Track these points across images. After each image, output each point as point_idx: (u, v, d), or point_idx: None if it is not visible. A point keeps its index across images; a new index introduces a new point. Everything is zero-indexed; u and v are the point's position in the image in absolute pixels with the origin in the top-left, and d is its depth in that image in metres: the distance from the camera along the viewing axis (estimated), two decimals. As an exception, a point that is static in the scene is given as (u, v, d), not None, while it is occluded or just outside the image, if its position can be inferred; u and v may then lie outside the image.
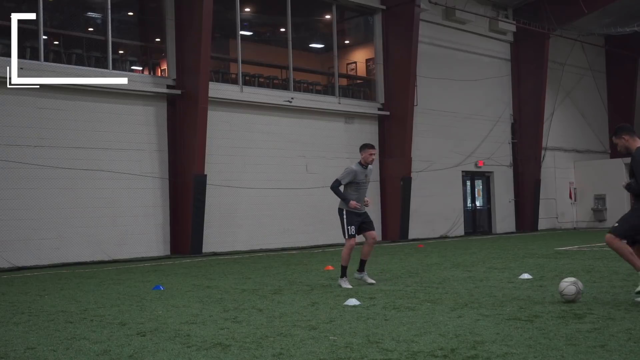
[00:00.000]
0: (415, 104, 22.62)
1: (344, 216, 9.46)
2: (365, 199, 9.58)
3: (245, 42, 20.56)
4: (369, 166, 9.63)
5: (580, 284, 7.54)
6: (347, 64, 23.88)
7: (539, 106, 27.29)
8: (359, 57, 24.03)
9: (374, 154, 9.58)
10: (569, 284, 7.48)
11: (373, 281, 9.74)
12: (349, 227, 9.42)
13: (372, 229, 9.62)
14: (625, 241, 7.22)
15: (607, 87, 32.23)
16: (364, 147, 9.63)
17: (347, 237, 9.45)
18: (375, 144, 22.61)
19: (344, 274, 9.58)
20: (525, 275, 10.06)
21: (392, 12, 22.77)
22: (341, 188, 9.49)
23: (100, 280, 11.62)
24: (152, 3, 19.50)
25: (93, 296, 9.38)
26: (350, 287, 9.38)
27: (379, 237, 22.47)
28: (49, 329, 6.75)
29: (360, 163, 9.56)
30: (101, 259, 16.35)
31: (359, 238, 9.65)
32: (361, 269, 9.75)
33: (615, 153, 31.71)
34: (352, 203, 9.34)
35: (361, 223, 9.53)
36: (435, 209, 24.24)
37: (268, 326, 6.53)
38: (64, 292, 10.02)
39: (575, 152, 30.61)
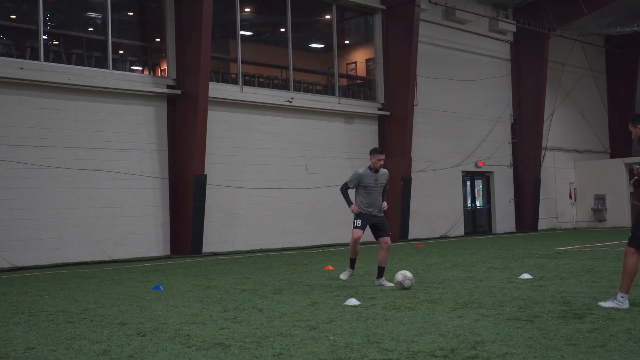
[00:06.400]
0: (415, 104, 22.62)
1: (354, 216, 9.59)
2: (383, 203, 9.56)
3: (245, 42, 20.56)
4: (381, 170, 9.58)
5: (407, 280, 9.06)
6: (347, 64, 23.88)
7: (539, 106, 27.29)
8: (359, 57, 24.03)
9: (382, 160, 9.49)
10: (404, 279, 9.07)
11: (392, 284, 9.52)
12: (355, 220, 9.51)
13: (386, 235, 9.58)
14: None
15: (607, 87, 32.23)
16: (372, 151, 9.63)
17: (352, 227, 9.54)
18: (375, 144, 22.61)
19: (350, 265, 9.67)
20: (525, 275, 10.06)
21: (392, 12, 22.78)
22: (353, 191, 9.68)
23: (100, 280, 11.61)
24: (152, 3, 19.50)
25: (93, 296, 9.38)
26: (344, 279, 9.53)
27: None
28: (49, 329, 6.75)
29: (369, 167, 9.56)
30: (101, 259, 16.34)
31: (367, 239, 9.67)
32: (379, 275, 9.70)
33: (615, 153, 31.76)
34: (352, 207, 9.51)
35: (375, 227, 9.59)
36: (435, 209, 24.24)
37: (268, 326, 6.53)
38: (64, 292, 10.01)
39: (575, 152, 30.62)
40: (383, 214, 9.66)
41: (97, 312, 7.83)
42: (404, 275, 9.09)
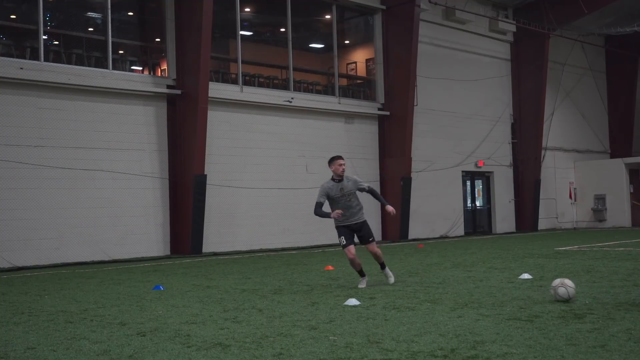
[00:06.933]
0: (415, 104, 22.63)
1: (336, 231, 9.39)
2: (388, 207, 9.34)
3: (245, 42, 20.56)
4: (345, 179, 9.22)
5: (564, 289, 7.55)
6: (347, 64, 23.89)
7: (539, 106, 27.30)
8: (359, 57, 24.03)
9: (344, 164, 9.20)
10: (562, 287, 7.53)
11: (392, 278, 9.79)
12: (340, 238, 9.31)
13: (369, 241, 9.37)
14: None
15: (607, 87, 32.24)
16: (333, 159, 9.32)
17: (342, 247, 9.35)
18: (375, 144, 22.65)
19: (360, 275, 9.60)
20: (525, 275, 10.05)
21: (392, 12, 22.78)
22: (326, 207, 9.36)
23: (100, 280, 11.62)
24: (152, 3, 19.51)
25: (93, 296, 9.38)
26: (364, 286, 9.38)
27: (378, 237, 22.51)
28: (49, 329, 6.75)
29: (332, 178, 9.25)
30: (101, 259, 16.35)
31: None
32: (381, 268, 9.82)
33: (615, 153, 31.75)
34: (333, 214, 9.12)
35: (357, 233, 9.37)
36: (435, 209, 24.24)
37: (268, 326, 6.53)
38: (64, 292, 10.02)
39: (575, 152, 30.62)
40: (363, 219, 9.37)
41: (97, 312, 7.83)
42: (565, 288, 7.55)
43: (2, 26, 16.54)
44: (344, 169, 9.21)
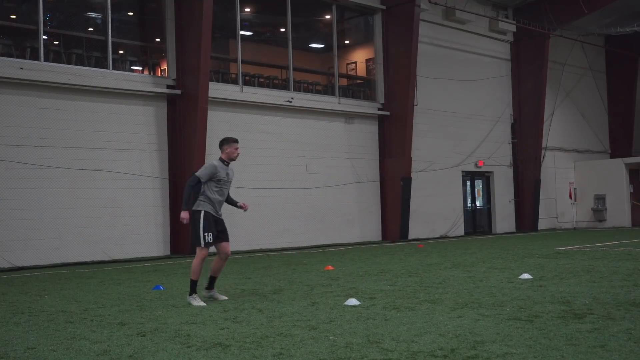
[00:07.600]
0: (415, 104, 22.63)
1: (201, 220, 8.16)
2: (243, 203, 8.66)
3: (245, 42, 20.56)
4: (230, 164, 8.44)
5: None
6: (347, 64, 23.88)
7: (539, 106, 27.30)
8: (359, 57, 24.03)
9: (239, 149, 8.45)
10: None
11: (225, 297, 8.57)
12: (206, 234, 8.17)
13: (226, 240, 8.39)
14: None
15: (607, 87, 32.25)
16: (229, 141, 8.40)
17: (202, 245, 8.17)
18: (375, 144, 22.65)
19: (193, 290, 8.22)
20: (525, 275, 10.06)
21: (392, 12, 22.78)
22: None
23: (100, 280, 11.62)
24: (152, 3, 19.51)
25: (93, 296, 9.38)
26: (203, 305, 8.01)
27: (378, 238, 22.46)
28: (49, 329, 6.75)
29: (221, 159, 8.36)
30: (101, 259, 16.34)
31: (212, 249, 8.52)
32: (210, 286, 8.57)
33: (615, 153, 31.75)
34: (183, 214, 8.11)
35: (218, 230, 8.32)
36: (435, 209, 24.24)
37: (268, 326, 6.53)
38: (64, 292, 10.02)
39: (575, 152, 30.62)
40: (222, 217, 8.41)
41: (97, 312, 7.83)
42: None
43: (2, 26, 16.54)
44: (239, 154, 8.46)
